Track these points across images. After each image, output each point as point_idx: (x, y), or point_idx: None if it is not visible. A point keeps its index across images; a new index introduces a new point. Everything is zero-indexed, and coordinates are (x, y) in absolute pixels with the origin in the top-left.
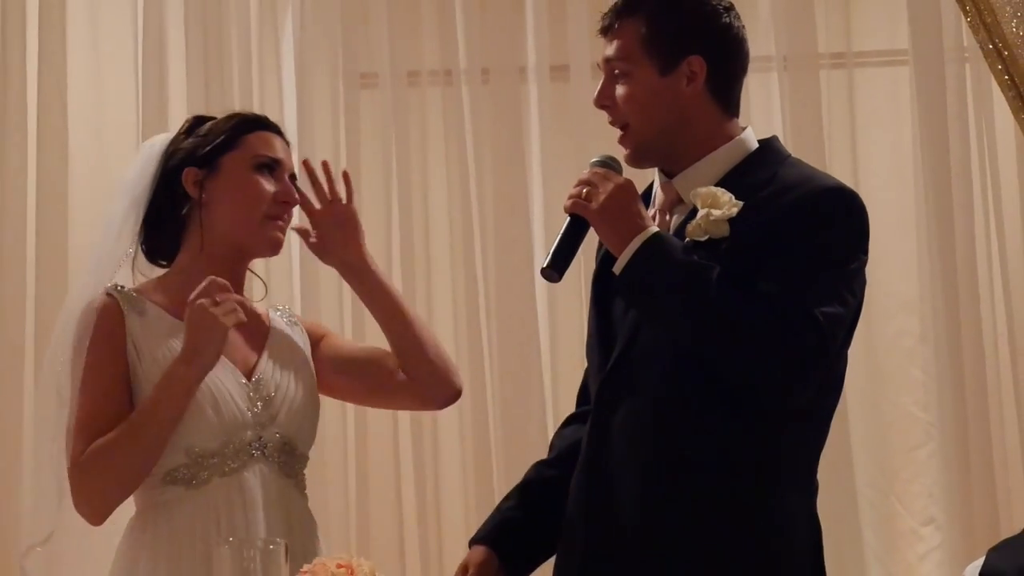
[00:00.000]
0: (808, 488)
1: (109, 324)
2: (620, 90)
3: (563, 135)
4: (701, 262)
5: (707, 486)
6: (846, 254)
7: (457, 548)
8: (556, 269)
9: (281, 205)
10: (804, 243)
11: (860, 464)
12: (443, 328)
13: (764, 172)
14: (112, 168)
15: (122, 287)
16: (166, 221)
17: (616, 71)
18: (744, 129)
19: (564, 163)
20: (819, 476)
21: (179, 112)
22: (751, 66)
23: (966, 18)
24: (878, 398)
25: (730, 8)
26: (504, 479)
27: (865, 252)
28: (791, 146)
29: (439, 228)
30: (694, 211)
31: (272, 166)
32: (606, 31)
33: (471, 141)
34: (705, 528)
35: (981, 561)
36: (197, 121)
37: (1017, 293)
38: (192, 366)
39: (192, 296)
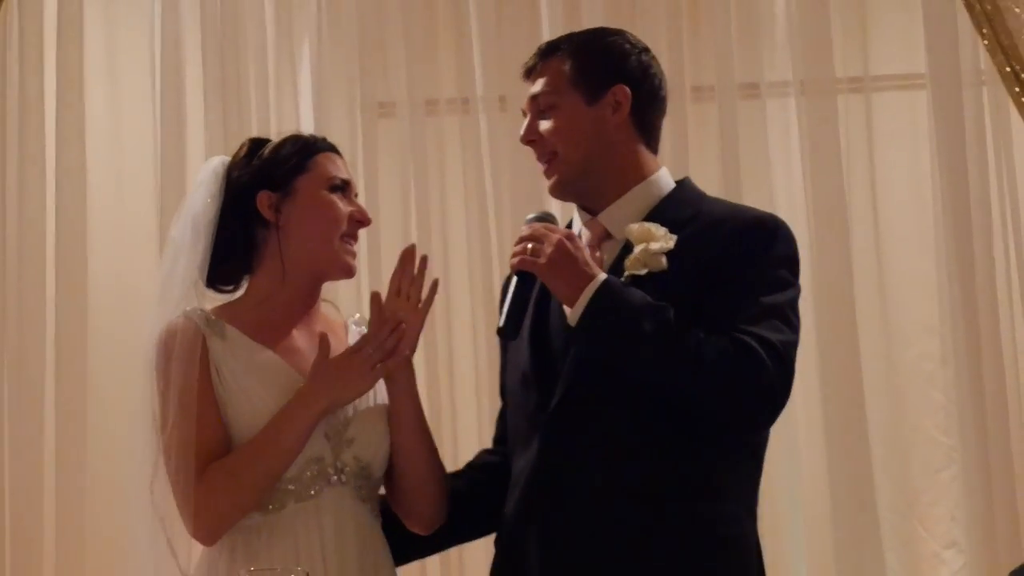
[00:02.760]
0: (755, 513)
1: (192, 347)
2: (547, 124)
3: None
4: (656, 303)
5: (668, 514)
6: (787, 281)
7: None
8: (513, 331)
9: (356, 224)
10: (746, 275)
11: (882, 488)
12: (463, 355)
13: (686, 209)
14: (129, 198)
15: (201, 310)
16: (238, 246)
17: (542, 107)
18: (660, 168)
19: None
20: (839, 499)
21: (197, 141)
22: (769, 91)
23: (983, 41)
24: (899, 422)
25: (647, 49)
26: None
27: (798, 277)
28: (809, 170)
29: (458, 256)
30: (627, 245)
31: (343, 187)
32: (530, 72)
33: (489, 169)
34: (667, 555)
35: None
36: (256, 143)
37: None
38: (319, 402)
39: (352, 349)
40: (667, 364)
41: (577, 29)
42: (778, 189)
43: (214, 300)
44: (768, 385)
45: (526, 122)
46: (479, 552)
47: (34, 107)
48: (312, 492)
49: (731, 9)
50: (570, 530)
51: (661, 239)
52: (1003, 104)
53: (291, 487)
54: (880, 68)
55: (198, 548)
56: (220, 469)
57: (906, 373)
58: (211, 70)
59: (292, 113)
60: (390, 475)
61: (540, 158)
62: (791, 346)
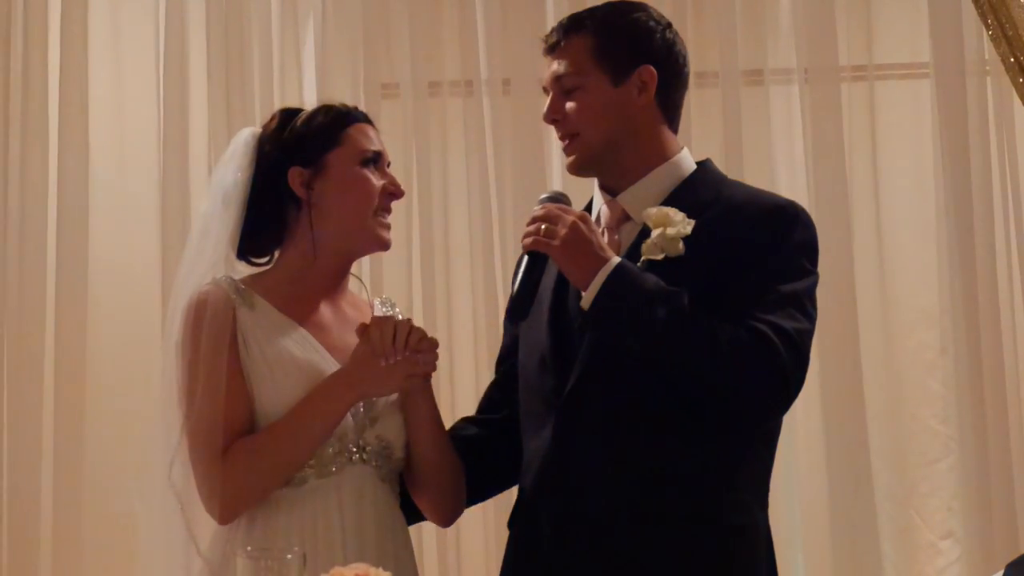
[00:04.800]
0: (766, 502)
1: (220, 314)
2: (572, 104)
3: None
4: (670, 289)
5: (679, 500)
6: (805, 268)
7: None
8: (521, 313)
9: (389, 197)
10: (765, 262)
11: (879, 477)
12: (464, 337)
13: (707, 192)
14: (132, 176)
15: (232, 278)
16: (269, 221)
17: (566, 87)
18: (682, 148)
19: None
20: (838, 489)
21: (200, 120)
22: (772, 78)
23: (987, 31)
24: (898, 411)
25: (670, 24)
26: None
27: (816, 264)
28: (811, 158)
29: (460, 238)
30: (645, 230)
31: (376, 160)
32: (552, 49)
33: (492, 151)
34: (677, 540)
35: (1000, 575)
36: (288, 114)
37: None
38: (354, 392)
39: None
40: (680, 351)
41: (582, 10)
42: (780, 176)
43: (244, 271)
44: (781, 374)
45: (549, 101)
46: (476, 545)
47: (37, 84)
48: (333, 469)
49: None
50: (582, 513)
51: (679, 224)
52: (1007, 94)
53: (312, 463)
54: (884, 57)
55: (213, 530)
56: (245, 448)
57: (905, 362)
58: (215, 49)
59: (295, 92)
60: (408, 465)
61: (562, 136)
62: (806, 335)
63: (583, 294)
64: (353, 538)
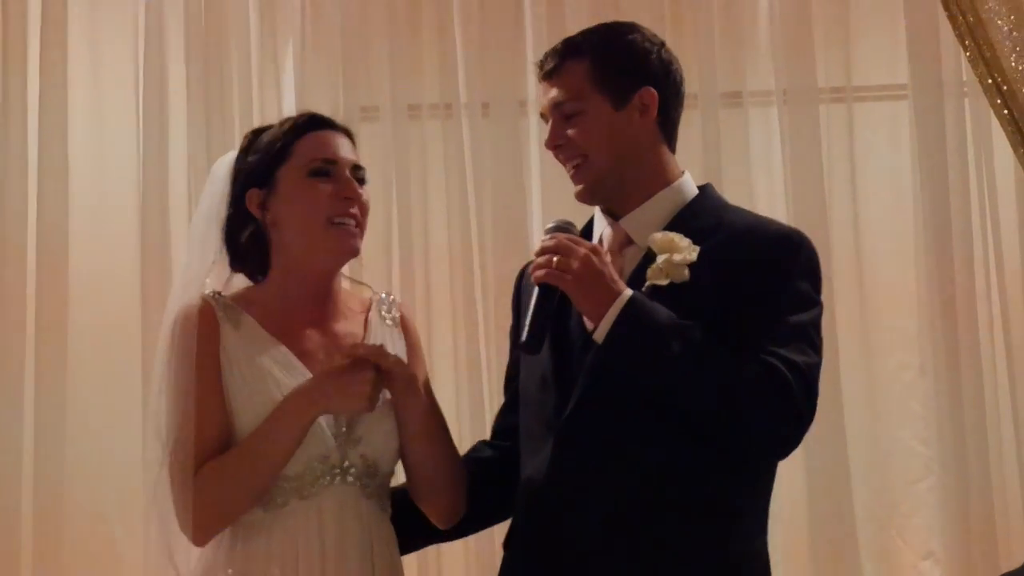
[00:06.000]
0: (766, 527)
1: (205, 330)
2: (574, 129)
3: (562, 169)
4: (684, 323)
5: (680, 526)
6: (812, 299)
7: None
8: (536, 346)
9: (342, 202)
10: (772, 293)
11: (860, 498)
12: (442, 358)
13: (709, 217)
14: (112, 199)
15: (220, 294)
16: (249, 245)
17: (567, 112)
18: (683, 172)
19: (564, 196)
20: (817, 508)
21: (179, 144)
22: (751, 100)
23: (965, 53)
24: (878, 432)
25: (664, 43)
26: None
27: (820, 293)
28: (790, 179)
29: (439, 260)
30: (649, 254)
31: (327, 169)
32: (550, 75)
33: (471, 174)
34: (678, 568)
35: None
36: (254, 135)
37: (1016, 326)
38: (315, 407)
39: (355, 351)
40: (694, 387)
41: (561, 37)
42: (760, 198)
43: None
44: (796, 412)
45: (550, 127)
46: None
47: (17, 106)
48: (315, 490)
49: (714, 17)
50: (577, 538)
51: (684, 250)
52: (984, 115)
53: (294, 484)
54: (862, 78)
55: (197, 552)
56: (212, 469)
57: (885, 383)
58: (194, 73)
59: (275, 116)
60: (405, 469)
61: (567, 162)
62: (816, 368)
63: (595, 326)
64: (334, 557)
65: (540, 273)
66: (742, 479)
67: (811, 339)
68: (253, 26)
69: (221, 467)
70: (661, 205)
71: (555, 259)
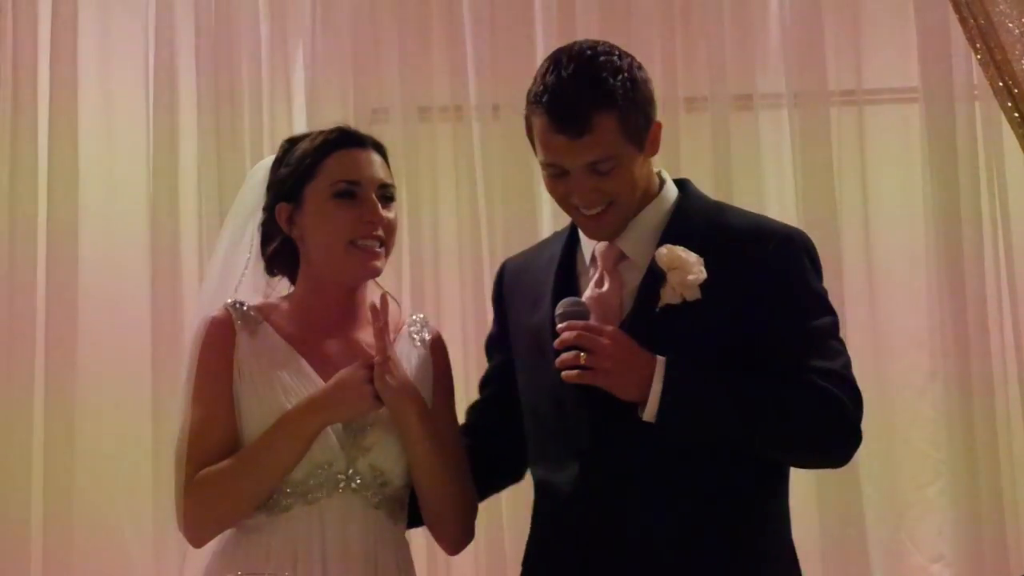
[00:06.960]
0: (789, 520)
1: (219, 339)
2: (606, 181)
3: None
4: (722, 373)
5: (723, 537)
6: (823, 296)
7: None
8: None
9: (365, 225)
10: (790, 299)
11: (870, 501)
12: (453, 361)
13: (699, 219)
14: (121, 203)
15: (242, 304)
16: (281, 254)
17: (603, 170)
18: (658, 172)
19: None
20: (827, 512)
21: (189, 146)
22: (762, 102)
23: (976, 55)
24: (888, 435)
25: (641, 65)
26: (510, 492)
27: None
28: (800, 182)
29: (450, 262)
30: (652, 269)
31: (351, 191)
32: (580, 133)
33: (481, 176)
34: (723, 562)
35: None
36: (290, 144)
37: None
38: (319, 416)
39: (358, 365)
40: (753, 429)
41: (571, 40)
42: (770, 201)
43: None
44: (850, 421)
45: (577, 182)
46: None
47: (27, 110)
48: (319, 496)
49: (725, 20)
50: (610, 546)
51: (693, 266)
52: (995, 119)
53: (298, 489)
54: (873, 81)
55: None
56: (210, 476)
57: (895, 386)
58: (205, 75)
59: (285, 118)
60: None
61: (589, 207)
62: (849, 363)
63: (642, 405)
64: (336, 565)
65: (572, 374)
66: (777, 486)
67: (837, 336)
68: (264, 28)
69: (219, 472)
70: (651, 216)
71: (582, 356)
